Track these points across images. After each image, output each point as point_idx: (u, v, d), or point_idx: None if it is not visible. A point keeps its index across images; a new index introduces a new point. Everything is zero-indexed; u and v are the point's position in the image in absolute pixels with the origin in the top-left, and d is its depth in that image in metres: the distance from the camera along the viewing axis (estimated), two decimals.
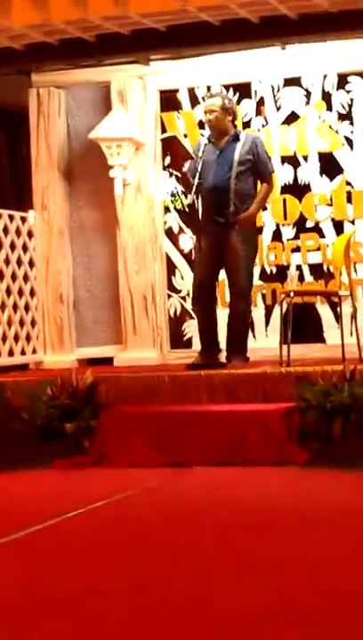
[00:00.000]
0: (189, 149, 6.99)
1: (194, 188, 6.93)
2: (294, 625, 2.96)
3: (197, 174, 6.97)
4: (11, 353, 7.99)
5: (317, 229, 7.96)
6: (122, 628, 3.03)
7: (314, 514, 4.56)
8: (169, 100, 8.39)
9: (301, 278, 7.92)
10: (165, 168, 8.36)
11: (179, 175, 7.23)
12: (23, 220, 8.31)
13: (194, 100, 8.29)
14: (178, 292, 8.32)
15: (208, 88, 8.12)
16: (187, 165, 6.96)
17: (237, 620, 3.03)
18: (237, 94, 8.11)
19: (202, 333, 7.18)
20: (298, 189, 8.01)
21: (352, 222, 7.86)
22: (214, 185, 6.95)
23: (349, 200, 7.88)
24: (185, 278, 8.19)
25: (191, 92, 8.31)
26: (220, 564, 3.74)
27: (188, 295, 8.06)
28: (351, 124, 7.89)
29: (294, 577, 3.50)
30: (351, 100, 7.89)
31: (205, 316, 7.13)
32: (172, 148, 6.81)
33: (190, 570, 3.68)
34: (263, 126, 8.11)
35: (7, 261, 8.04)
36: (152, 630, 2.99)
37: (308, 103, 8.00)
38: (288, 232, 8.03)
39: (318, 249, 7.94)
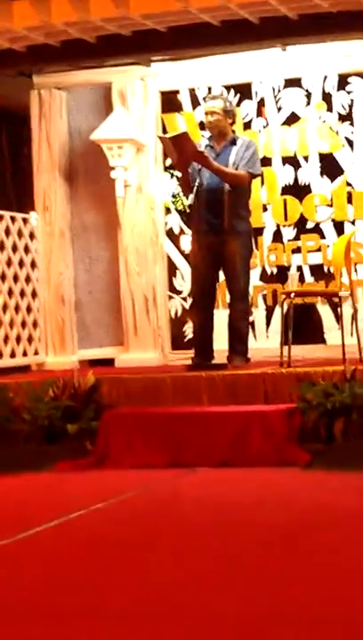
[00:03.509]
0: (198, 148, 6.95)
1: (194, 189, 6.95)
2: (296, 626, 2.97)
3: (198, 176, 6.98)
4: (12, 354, 8.01)
5: (317, 230, 7.98)
6: (120, 629, 3.04)
7: (315, 514, 4.56)
8: (170, 101, 8.40)
9: (301, 279, 7.93)
10: (166, 169, 8.38)
11: (181, 175, 7.22)
12: (25, 221, 8.32)
13: (195, 101, 8.30)
14: (179, 292, 8.34)
15: (209, 89, 8.13)
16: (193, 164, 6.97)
17: (236, 622, 3.04)
18: (238, 95, 8.13)
19: (197, 336, 7.19)
20: (299, 190, 8.03)
21: (353, 223, 7.87)
22: (210, 187, 6.95)
23: (349, 201, 7.89)
24: (186, 279, 8.21)
25: (192, 92, 8.32)
26: (221, 566, 3.75)
27: (189, 296, 8.08)
28: (352, 124, 7.90)
29: (295, 578, 3.50)
30: (352, 100, 7.91)
31: (203, 319, 7.14)
32: (182, 144, 6.77)
33: (192, 571, 3.69)
34: (264, 127, 8.12)
35: (9, 263, 8.06)
36: (152, 631, 3.01)
37: (308, 104, 8.02)
38: (289, 233, 8.05)
39: (319, 250, 7.96)
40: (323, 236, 7.95)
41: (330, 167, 7.94)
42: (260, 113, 8.15)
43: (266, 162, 7.94)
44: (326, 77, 7.95)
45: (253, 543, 4.07)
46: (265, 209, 8.08)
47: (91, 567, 3.84)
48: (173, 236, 8.39)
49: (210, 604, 3.23)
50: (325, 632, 2.91)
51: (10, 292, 8.04)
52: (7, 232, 8.06)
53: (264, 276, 8.09)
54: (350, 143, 7.90)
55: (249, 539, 4.15)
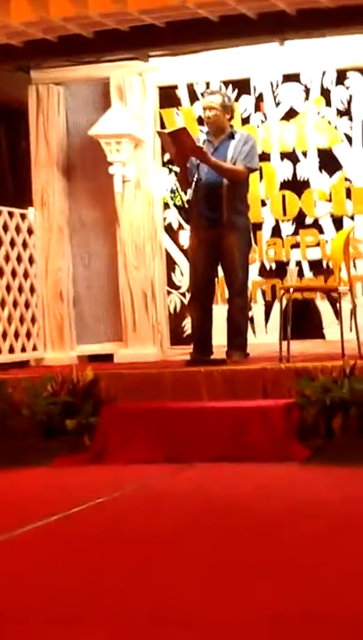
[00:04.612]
0: (197, 143, 6.95)
1: (193, 184, 6.94)
2: (298, 622, 2.97)
3: (196, 171, 6.96)
4: (11, 350, 8.00)
5: (316, 225, 7.97)
6: (115, 626, 3.04)
7: (314, 509, 4.55)
8: (168, 97, 8.39)
9: (300, 274, 7.93)
10: (164, 164, 8.37)
11: (179, 171, 7.21)
12: (23, 217, 8.32)
13: (193, 97, 8.29)
14: (178, 288, 8.33)
15: (207, 84, 8.13)
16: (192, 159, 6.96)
17: (238, 616, 3.04)
18: (236, 90, 8.12)
19: (196, 332, 7.19)
20: (297, 185, 8.02)
21: (352, 218, 7.87)
22: (208, 182, 6.93)
23: (348, 196, 7.88)
24: (185, 275, 8.20)
25: (190, 88, 8.31)
26: (220, 560, 3.74)
27: (187, 292, 8.07)
28: (350, 119, 7.90)
29: (294, 573, 3.50)
30: (350, 96, 7.90)
31: (202, 314, 7.12)
32: (181, 139, 6.76)
33: (191, 566, 3.69)
34: (262, 122, 8.11)
35: (7, 258, 8.05)
36: (150, 630, 3.00)
37: (307, 99, 8.01)
38: (288, 228, 8.04)
39: (318, 245, 7.96)
40: (322, 232, 7.94)
41: (329, 162, 7.93)
42: (258, 108, 8.14)
43: (264, 157, 7.94)
44: (324, 73, 7.95)
45: (250, 538, 4.07)
46: (264, 204, 8.07)
47: (88, 562, 3.84)
48: (171, 232, 8.38)
49: (207, 600, 3.22)
50: (327, 626, 2.91)
51: (8, 288, 8.04)
52: (5, 228, 8.06)
53: (263, 272, 8.09)
54: (349, 138, 7.89)
55: (247, 534, 4.14)
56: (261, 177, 7.95)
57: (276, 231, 8.06)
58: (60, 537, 4.32)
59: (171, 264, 8.37)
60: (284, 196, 8.03)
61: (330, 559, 3.68)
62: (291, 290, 6.88)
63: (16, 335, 8.09)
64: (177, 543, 4.08)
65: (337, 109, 7.93)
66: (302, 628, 2.92)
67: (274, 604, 3.16)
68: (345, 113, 7.91)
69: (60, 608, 3.24)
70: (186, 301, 8.17)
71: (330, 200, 7.92)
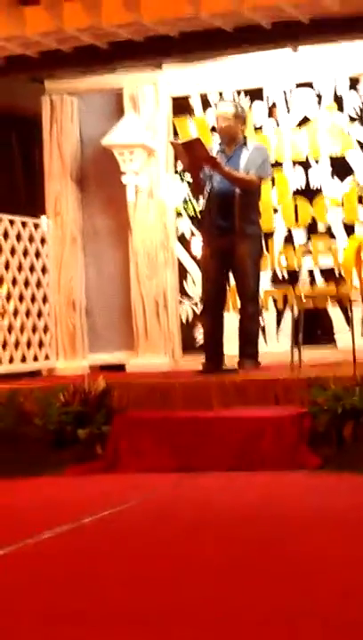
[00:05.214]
0: (210, 153, 6.95)
1: (206, 194, 6.95)
2: (314, 629, 2.95)
3: (208, 181, 6.97)
4: (23, 359, 8.01)
5: (328, 233, 7.95)
6: (121, 633, 3.03)
7: (326, 518, 4.53)
8: (181, 106, 8.39)
9: (312, 282, 7.90)
10: (177, 173, 8.36)
11: (192, 180, 7.21)
12: (36, 226, 8.34)
13: (206, 106, 8.29)
14: (190, 297, 8.32)
15: (220, 94, 8.13)
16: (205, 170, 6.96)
17: (248, 624, 3.03)
18: (249, 99, 8.12)
19: (208, 340, 7.18)
20: (310, 193, 8.00)
21: None
22: (221, 191, 6.94)
23: (360, 203, 7.86)
24: (197, 284, 8.18)
25: (204, 97, 8.31)
26: (230, 568, 3.73)
27: (200, 302, 8.05)
28: None
29: (307, 581, 3.48)
30: None
31: (213, 323, 7.12)
32: (195, 150, 6.76)
33: (199, 576, 3.67)
34: (275, 130, 8.10)
35: (20, 268, 8.07)
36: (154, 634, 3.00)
37: (320, 106, 7.99)
38: (300, 236, 8.02)
39: (330, 252, 7.92)
40: (334, 239, 7.91)
41: (341, 169, 7.91)
42: (271, 114, 8.13)
43: (277, 165, 7.93)
44: (337, 80, 7.93)
45: (261, 546, 4.05)
46: (276, 211, 8.05)
47: (100, 572, 3.83)
48: (183, 241, 8.38)
49: (214, 609, 3.21)
50: (343, 633, 2.90)
51: (21, 297, 8.05)
52: (18, 237, 8.08)
53: (275, 279, 8.07)
54: (361, 145, 7.87)
55: (257, 542, 4.13)
56: (272, 185, 7.94)
57: (288, 239, 8.04)
58: (70, 547, 4.31)
59: (183, 273, 8.36)
60: (296, 204, 8.01)
61: (340, 567, 3.66)
62: (303, 298, 6.86)
63: (28, 344, 8.10)
64: (186, 553, 4.06)
65: (350, 116, 7.92)
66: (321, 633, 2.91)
67: (282, 608, 3.15)
68: (358, 119, 7.89)
69: (66, 613, 3.24)
70: (198, 311, 8.16)
71: (342, 207, 7.89)
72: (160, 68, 8.20)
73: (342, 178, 7.91)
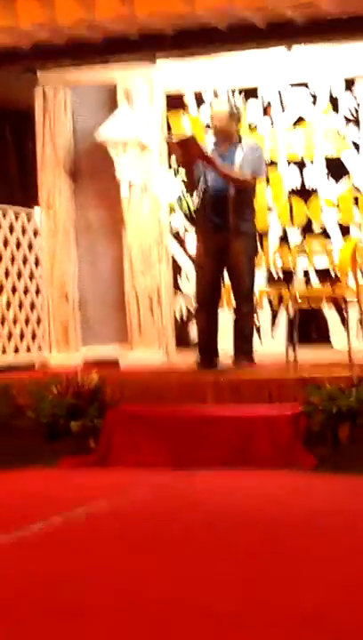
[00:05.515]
0: (205, 151, 6.96)
1: (200, 192, 6.96)
2: (307, 632, 2.98)
3: (203, 178, 6.98)
4: (16, 351, 8.00)
5: (323, 233, 7.97)
6: (116, 626, 3.05)
7: (320, 518, 4.56)
8: (176, 102, 8.38)
9: (307, 282, 7.92)
10: (173, 170, 8.35)
11: (187, 178, 7.23)
12: (29, 217, 8.31)
13: (201, 104, 8.28)
14: (183, 292, 8.33)
15: (215, 92, 8.13)
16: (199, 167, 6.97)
17: (237, 626, 3.04)
18: (244, 98, 8.12)
19: (202, 337, 7.19)
20: (305, 193, 8.03)
21: (360, 226, 7.87)
22: (215, 189, 6.95)
23: (356, 204, 7.89)
24: (190, 279, 8.19)
25: (198, 95, 8.30)
26: (220, 566, 3.75)
27: (194, 298, 8.05)
28: (358, 127, 7.90)
29: (301, 581, 3.51)
30: (358, 104, 7.91)
31: (208, 320, 7.13)
32: (190, 148, 6.77)
33: (190, 570, 3.69)
34: (270, 130, 8.11)
35: (13, 259, 8.05)
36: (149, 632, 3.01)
37: (315, 107, 8.01)
38: (295, 236, 8.04)
39: (325, 253, 7.94)
40: (329, 239, 7.94)
41: (336, 170, 7.94)
42: (266, 112, 8.15)
43: (272, 165, 7.94)
44: (332, 81, 7.95)
45: (253, 545, 4.08)
46: (270, 210, 8.07)
47: (88, 564, 3.85)
48: (177, 236, 8.38)
49: (207, 604, 3.23)
50: (335, 635, 2.92)
51: (13, 289, 8.03)
52: (11, 229, 8.05)
53: (270, 279, 8.09)
54: (357, 146, 7.90)
55: (250, 541, 4.15)
56: (267, 184, 7.95)
57: (283, 239, 8.06)
58: (60, 539, 4.34)
59: (177, 268, 8.36)
60: (291, 205, 8.04)
61: (333, 568, 3.69)
62: (298, 298, 6.88)
63: (21, 336, 8.08)
64: (177, 547, 4.09)
65: (345, 117, 7.94)
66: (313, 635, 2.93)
67: (268, 603, 3.19)
68: (353, 121, 7.92)
69: (57, 606, 3.27)
70: (191, 306, 8.16)
71: (338, 208, 7.92)
72: (154, 62, 8.16)
73: (337, 179, 7.94)
